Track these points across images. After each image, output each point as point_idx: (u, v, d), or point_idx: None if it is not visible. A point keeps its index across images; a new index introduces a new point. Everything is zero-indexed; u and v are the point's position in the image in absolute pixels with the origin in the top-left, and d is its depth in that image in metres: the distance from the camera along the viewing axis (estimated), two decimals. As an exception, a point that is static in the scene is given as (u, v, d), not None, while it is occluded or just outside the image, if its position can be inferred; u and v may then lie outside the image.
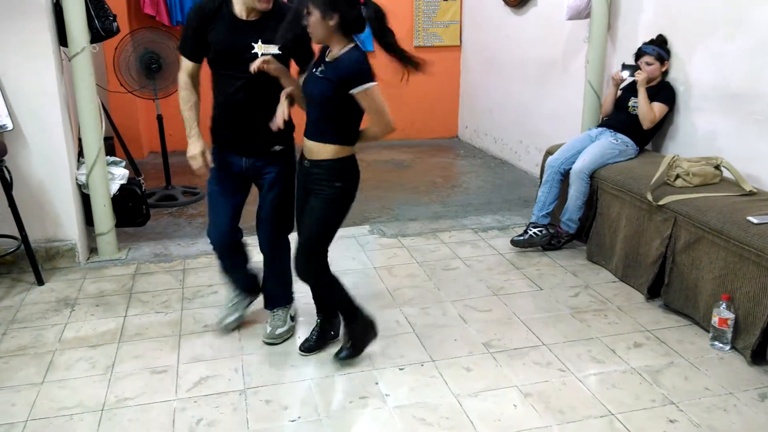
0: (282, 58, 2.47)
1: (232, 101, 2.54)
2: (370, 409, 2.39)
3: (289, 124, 2.59)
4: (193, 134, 2.64)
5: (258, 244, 2.80)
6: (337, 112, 2.35)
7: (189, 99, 2.62)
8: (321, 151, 2.40)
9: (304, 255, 2.50)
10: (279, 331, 2.83)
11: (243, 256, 2.90)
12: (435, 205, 4.77)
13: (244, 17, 2.48)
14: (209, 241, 2.80)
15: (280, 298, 2.91)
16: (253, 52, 2.45)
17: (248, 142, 2.62)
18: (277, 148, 2.64)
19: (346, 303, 2.61)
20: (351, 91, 2.26)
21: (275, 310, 2.89)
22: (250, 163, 2.64)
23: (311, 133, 2.42)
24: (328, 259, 2.58)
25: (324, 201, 2.44)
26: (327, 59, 2.33)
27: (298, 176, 2.56)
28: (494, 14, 5.94)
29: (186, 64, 2.59)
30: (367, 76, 2.26)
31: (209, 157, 2.64)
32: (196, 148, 2.63)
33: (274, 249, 2.80)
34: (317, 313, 2.78)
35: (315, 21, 2.24)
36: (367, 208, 4.68)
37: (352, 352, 2.66)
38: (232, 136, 2.62)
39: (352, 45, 2.30)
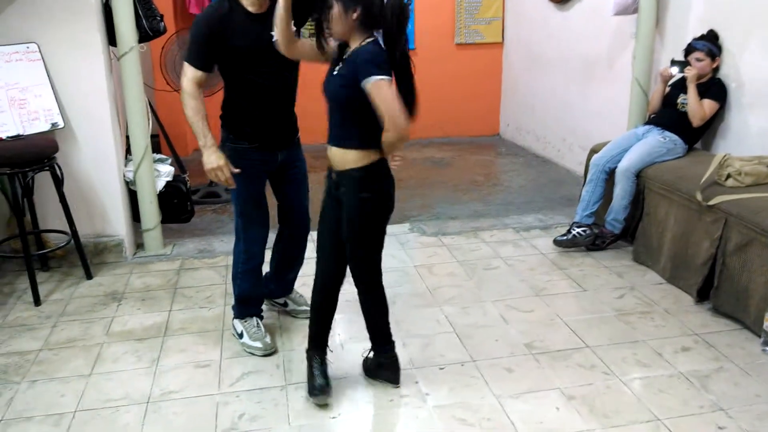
0: None
1: (262, 97, 2.54)
2: (410, 408, 2.39)
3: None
4: (210, 144, 2.56)
5: (284, 236, 2.89)
6: (356, 112, 2.16)
7: (200, 109, 2.55)
8: (345, 159, 2.23)
9: (355, 268, 2.41)
10: (268, 339, 2.77)
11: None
12: (476, 204, 4.73)
13: (256, 11, 2.46)
14: (253, 243, 2.75)
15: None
16: (274, 40, 2.34)
17: (284, 134, 2.67)
18: (298, 136, 2.75)
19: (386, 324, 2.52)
20: (361, 84, 2.07)
21: (255, 318, 2.84)
22: (284, 155, 2.68)
23: (333, 138, 2.27)
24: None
25: (355, 215, 2.29)
26: (345, 57, 2.20)
27: (326, 184, 2.40)
28: (538, 10, 5.85)
29: (195, 74, 2.50)
30: (377, 68, 2.06)
31: (231, 166, 2.57)
32: (220, 159, 2.56)
33: (304, 238, 2.91)
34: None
35: (336, 15, 2.11)
36: (407, 206, 4.67)
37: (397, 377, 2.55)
38: (266, 132, 2.60)
39: (371, 39, 2.14)
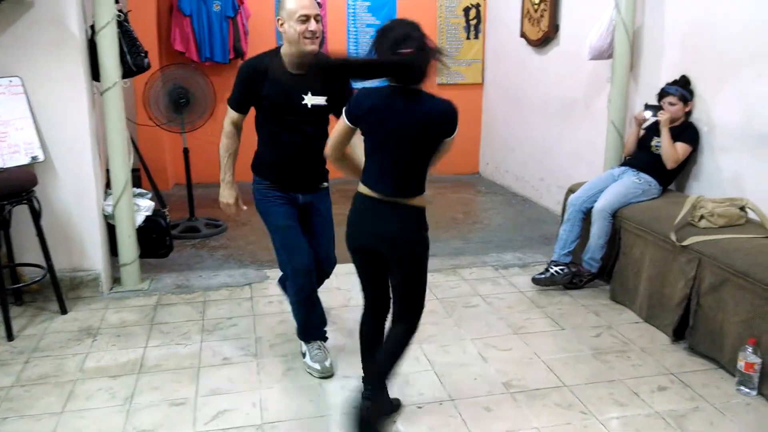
0: (328, 109, 2.75)
1: (285, 146, 2.77)
2: (388, 448, 2.36)
3: (324, 162, 2.85)
4: (227, 180, 2.89)
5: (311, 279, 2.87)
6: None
7: (230, 147, 2.85)
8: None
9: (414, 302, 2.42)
10: (328, 362, 2.87)
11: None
12: (455, 241, 4.76)
13: (294, 72, 2.70)
14: (298, 274, 2.78)
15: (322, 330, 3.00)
16: (303, 102, 2.70)
17: (304, 181, 2.85)
18: (325, 184, 2.93)
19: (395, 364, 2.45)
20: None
21: (318, 341, 2.95)
22: (307, 199, 2.88)
23: None
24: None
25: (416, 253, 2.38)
26: None
27: None
28: (517, 53, 6.00)
29: (232, 115, 2.81)
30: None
31: (241, 203, 2.95)
32: (232, 197, 2.92)
33: (321, 279, 3.03)
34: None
35: None
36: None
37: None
38: (285, 176, 2.82)
39: None
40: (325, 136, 2.62)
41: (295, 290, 2.84)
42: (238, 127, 2.83)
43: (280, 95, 2.70)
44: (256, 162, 2.88)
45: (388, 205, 2.26)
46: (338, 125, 2.29)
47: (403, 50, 2.13)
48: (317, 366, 2.83)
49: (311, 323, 2.92)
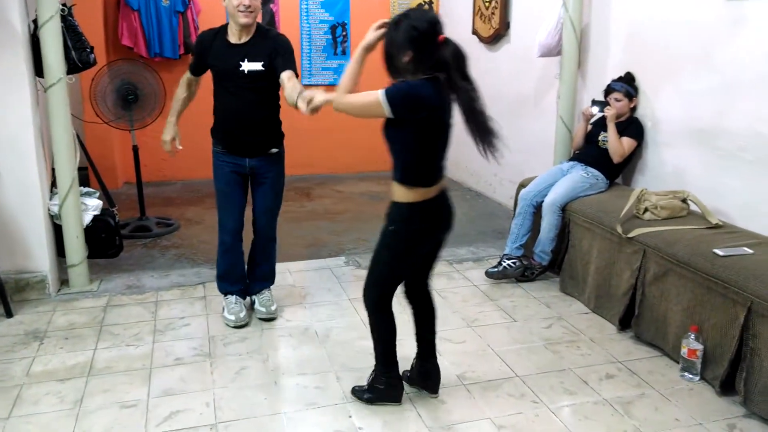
0: (266, 74, 3.00)
1: (229, 110, 3.09)
2: (343, 443, 2.37)
3: (279, 130, 3.20)
4: (170, 121, 3.29)
5: (254, 232, 3.28)
6: (400, 147, 2.32)
7: (179, 94, 3.29)
8: (392, 190, 2.38)
9: (364, 286, 2.50)
10: (273, 307, 3.34)
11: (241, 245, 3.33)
12: (410, 237, 4.78)
13: (234, 42, 3.03)
14: (223, 232, 3.22)
15: (268, 279, 3.42)
16: (240, 69, 2.99)
17: (250, 145, 3.12)
18: (274, 150, 3.17)
19: (382, 352, 2.55)
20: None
21: (263, 291, 3.38)
22: (252, 163, 3.14)
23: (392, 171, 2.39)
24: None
25: (379, 242, 2.43)
26: None
27: None
28: (469, 50, 5.97)
29: (187, 74, 3.27)
30: (394, 89, 2.20)
31: (177, 143, 3.31)
32: (169, 135, 3.29)
33: (270, 237, 3.33)
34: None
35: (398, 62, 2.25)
36: (342, 239, 4.69)
37: (362, 396, 2.60)
38: (231, 140, 3.12)
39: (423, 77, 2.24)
40: (268, 102, 3.08)
41: (219, 244, 3.27)
42: (191, 82, 3.27)
43: (220, 62, 3.05)
44: (212, 128, 3.19)
45: None
46: (370, 102, 2.21)
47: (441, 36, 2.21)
48: (232, 317, 3.23)
49: (229, 277, 3.31)
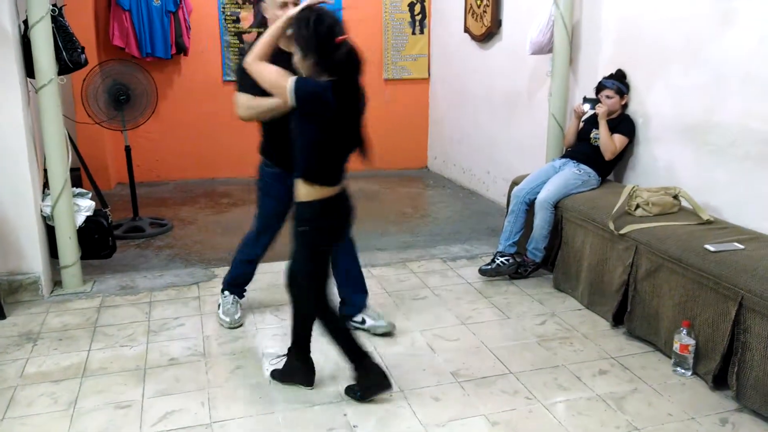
0: None
1: (279, 121, 2.71)
2: (338, 441, 2.38)
3: None
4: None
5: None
6: (297, 139, 2.39)
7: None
8: (296, 189, 2.44)
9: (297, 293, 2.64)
10: (237, 316, 3.27)
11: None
12: (404, 235, 4.80)
13: (284, 48, 2.67)
14: (258, 246, 3.17)
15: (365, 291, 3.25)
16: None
17: (290, 158, 2.76)
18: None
19: (303, 335, 2.69)
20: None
21: (235, 296, 3.33)
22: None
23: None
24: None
25: (294, 244, 2.53)
26: None
27: None
28: (461, 48, 6.07)
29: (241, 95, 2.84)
30: (304, 84, 2.26)
31: None
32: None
33: (346, 255, 3.12)
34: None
35: (297, 60, 2.34)
36: (336, 238, 4.70)
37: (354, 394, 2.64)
38: (283, 152, 2.85)
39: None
40: None
41: (246, 251, 3.24)
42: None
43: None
44: (261, 142, 3.04)
45: None
46: (280, 84, 2.27)
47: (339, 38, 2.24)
48: (227, 318, 3.24)
49: (239, 282, 3.33)
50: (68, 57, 3.55)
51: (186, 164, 6.33)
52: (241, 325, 3.25)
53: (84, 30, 5.18)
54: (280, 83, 2.28)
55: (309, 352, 2.71)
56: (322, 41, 2.24)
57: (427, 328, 3.25)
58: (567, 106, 4.29)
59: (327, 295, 2.55)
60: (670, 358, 2.89)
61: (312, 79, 2.29)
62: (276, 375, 2.74)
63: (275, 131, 2.85)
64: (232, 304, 3.28)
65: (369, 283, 3.75)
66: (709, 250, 2.79)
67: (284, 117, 2.65)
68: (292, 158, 2.60)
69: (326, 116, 2.27)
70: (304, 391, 2.68)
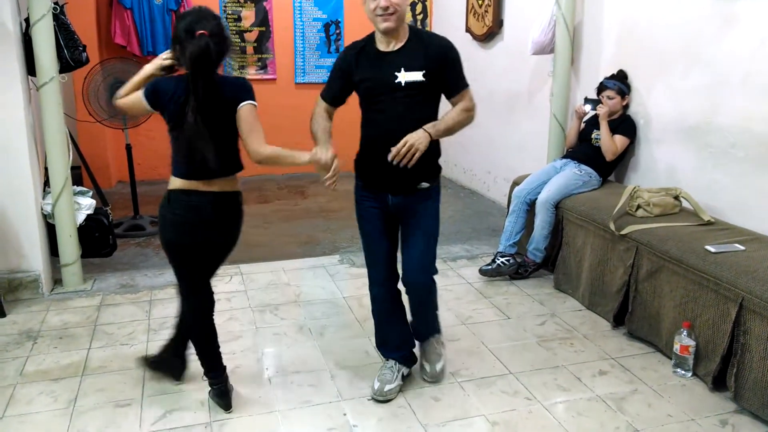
0: (427, 86, 2.43)
1: (376, 129, 2.49)
2: (338, 441, 2.38)
3: (434, 160, 2.61)
4: (323, 141, 2.50)
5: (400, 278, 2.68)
6: None
7: (324, 123, 2.57)
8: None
9: None
10: (439, 365, 2.76)
11: (402, 308, 2.76)
12: (405, 235, 4.79)
13: (386, 50, 2.46)
14: (370, 284, 2.71)
15: (430, 328, 2.81)
16: (396, 80, 2.41)
17: (394, 178, 2.49)
18: (423, 185, 2.57)
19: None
20: None
21: (429, 340, 2.78)
22: (396, 201, 2.56)
23: None
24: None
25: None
26: None
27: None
28: (462, 47, 5.98)
29: (324, 105, 2.60)
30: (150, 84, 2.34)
31: (337, 165, 2.41)
32: (330, 151, 2.42)
33: (424, 289, 2.67)
34: None
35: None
36: (337, 237, 4.70)
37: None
38: (372, 169, 2.55)
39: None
40: (424, 120, 2.42)
41: (371, 300, 2.75)
42: (330, 114, 2.62)
43: (372, 73, 2.46)
44: (356, 157, 2.63)
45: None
46: (136, 99, 2.33)
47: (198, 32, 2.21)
48: (375, 385, 2.63)
49: (385, 338, 2.76)
50: (69, 55, 3.55)
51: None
52: (389, 400, 2.61)
53: (85, 28, 5.19)
54: (137, 97, 2.33)
55: (185, 348, 2.69)
56: (178, 35, 2.23)
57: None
58: (568, 106, 4.29)
59: (189, 287, 2.49)
60: (671, 359, 2.89)
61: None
62: (148, 363, 2.76)
63: (370, 133, 2.53)
64: (389, 369, 2.68)
65: (368, 282, 3.76)
66: (710, 251, 2.79)
67: (385, 115, 2.46)
68: (382, 172, 2.47)
69: (169, 108, 2.26)
70: (304, 391, 2.67)
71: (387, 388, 2.61)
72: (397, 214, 2.59)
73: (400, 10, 2.37)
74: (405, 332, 2.76)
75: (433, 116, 2.48)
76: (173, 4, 5.86)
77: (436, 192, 2.67)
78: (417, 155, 2.35)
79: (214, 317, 2.53)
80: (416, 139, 2.35)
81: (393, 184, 2.52)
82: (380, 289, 2.68)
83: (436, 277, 2.66)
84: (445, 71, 2.46)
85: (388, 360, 2.72)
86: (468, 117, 2.54)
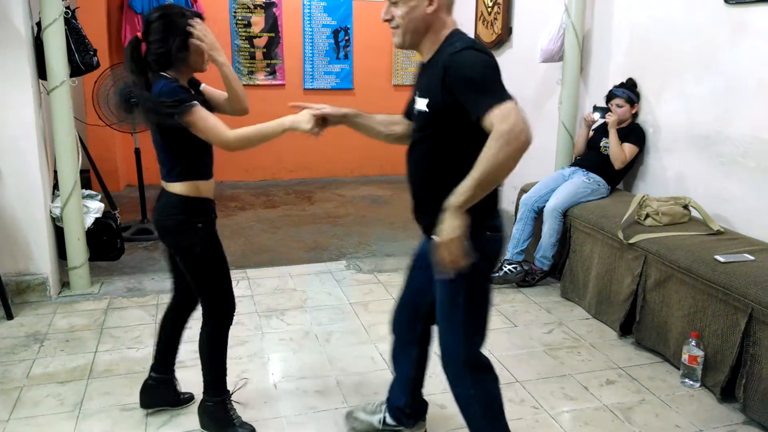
0: (432, 118, 1.84)
1: (408, 164, 2.00)
2: (343, 447, 2.37)
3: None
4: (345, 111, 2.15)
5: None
6: None
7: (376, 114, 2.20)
8: None
9: None
10: None
11: (409, 363, 2.29)
12: (412, 241, 4.77)
13: (421, 60, 1.96)
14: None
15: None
16: (415, 106, 1.94)
17: (415, 215, 2.05)
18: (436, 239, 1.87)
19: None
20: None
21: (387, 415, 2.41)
22: (426, 243, 2.03)
23: None
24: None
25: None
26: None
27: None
28: None
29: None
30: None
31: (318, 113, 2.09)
32: (329, 109, 2.12)
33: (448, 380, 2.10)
34: None
35: None
36: (343, 243, 4.70)
37: None
38: (412, 208, 2.05)
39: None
40: (437, 160, 1.88)
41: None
42: (400, 121, 2.20)
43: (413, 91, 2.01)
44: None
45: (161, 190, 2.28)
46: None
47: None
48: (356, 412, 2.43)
49: (392, 385, 2.38)
50: (80, 59, 3.58)
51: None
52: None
53: (96, 32, 5.23)
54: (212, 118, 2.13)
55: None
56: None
57: (434, 335, 3.23)
58: (577, 114, 4.28)
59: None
60: (679, 369, 2.87)
61: None
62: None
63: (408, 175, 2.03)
64: (377, 405, 2.43)
65: (375, 289, 3.73)
66: (719, 261, 2.77)
67: (409, 147, 1.99)
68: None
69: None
70: (309, 397, 2.67)
71: (360, 416, 2.42)
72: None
73: (406, 25, 1.87)
74: (404, 382, 2.32)
75: (446, 159, 1.85)
76: (183, 9, 5.89)
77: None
78: (456, 255, 1.73)
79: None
80: (445, 239, 1.72)
81: (418, 222, 2.05)
82: (392, 333, 2.31)
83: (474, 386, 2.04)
84: (453, 96, 1.76)
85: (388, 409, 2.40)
86: (502, 147, 1.68)
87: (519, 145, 1.70)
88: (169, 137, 2.15)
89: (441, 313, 2.00)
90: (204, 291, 2.31)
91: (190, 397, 2.63)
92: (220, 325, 2.34)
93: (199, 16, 2.19)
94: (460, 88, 1.75)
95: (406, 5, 1.85)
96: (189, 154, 2.19)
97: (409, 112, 2.03)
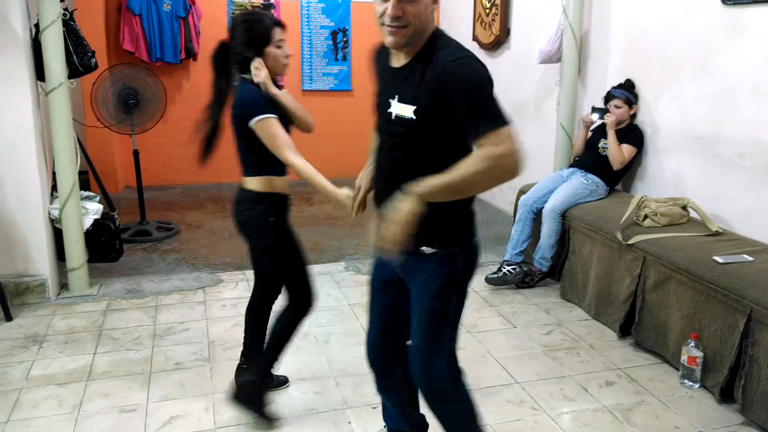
0: (419, 127, 1.72)
1: (375, 173, 1.94)
2: (343, 449, 2.37)
3: (446, 220, 1.80)
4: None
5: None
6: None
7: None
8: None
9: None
10: None
11: (398, 388, 2.15)
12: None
13: (394, 65, 1.80)
14: (370, 356, 2.14)
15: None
16: (389, 111, 1.78)
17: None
18: (426, 250, 1.81)
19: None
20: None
21: None
22: (383, 265, 1.97)
23: None
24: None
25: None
26: None
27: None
28: None
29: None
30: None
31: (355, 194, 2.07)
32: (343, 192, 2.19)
33: (426, 389, 1.97)
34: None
35: None
36: (342, 244, 4.70)
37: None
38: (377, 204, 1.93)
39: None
40: (423, 171, 1.70)
41: None
42: None
43: (377, 93, 1.89)
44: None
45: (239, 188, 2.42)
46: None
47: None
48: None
49: (384, 410, 2.28)
50: (78, 61, 3.58)
51: (193, 169, 6.30)
52: None
53: (94, 34, 5.22)
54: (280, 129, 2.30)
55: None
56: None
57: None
58: (575, 115, 4.28)
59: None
60: (678, 370, 2.87)
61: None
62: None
63: (374, 175, 1.99)
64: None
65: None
66: (718, 262, 2.77)
67: (381, 155, 1.90)
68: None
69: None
70: (308, 398, 2.67)
71: None
72: (404, 277, 1.93)
73: (417, 24, 1.67)
74: (398, 408, 2.20)
75: (432, 171, 1.69)
76: (182, 11, 5.90)
77: (446, 262, 1.82)
78: (399, 237, 1.68)
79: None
80: (396, 219, 1.68)
81: None
82: (369, 356, 2.11)
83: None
84: (449, 106, 1.65)
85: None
86: (488, 168, 1.62)
87: (505, 171, 1.66)
88: (245, 134, 2.28)
89: (425, 331, 1.88)
90: (282, 281, 2.48)
91: (284, 380, 2.72)
92: (295, 314, 2.45)
93: (279, 23, 2.32)
94: (461, 103, 1.64)
95: (422, 2, 1.67)
96: (263, 150, 2.29)
97: (381, 124, 1.87)
